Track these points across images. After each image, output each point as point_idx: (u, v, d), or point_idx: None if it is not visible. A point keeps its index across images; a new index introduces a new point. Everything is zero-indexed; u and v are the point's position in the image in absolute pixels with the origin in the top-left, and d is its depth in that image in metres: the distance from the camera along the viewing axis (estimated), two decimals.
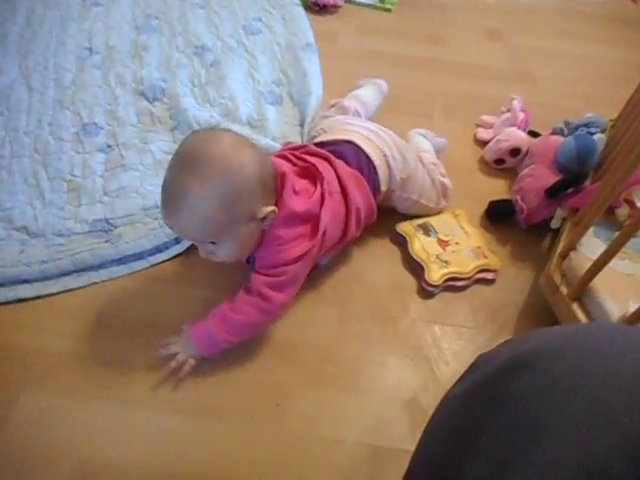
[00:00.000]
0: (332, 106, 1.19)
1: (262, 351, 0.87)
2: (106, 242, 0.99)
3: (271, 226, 0.78)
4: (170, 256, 0.99)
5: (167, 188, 0.72)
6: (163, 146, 1.19)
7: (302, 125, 1.27)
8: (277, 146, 1.13)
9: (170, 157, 1.12)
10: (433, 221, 1.05)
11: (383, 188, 0.95)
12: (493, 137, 1.24)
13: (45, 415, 0.78)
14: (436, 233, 1.02)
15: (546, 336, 0.37)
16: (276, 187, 0.78)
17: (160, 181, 1.08)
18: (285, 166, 0.82)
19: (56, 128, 1.21)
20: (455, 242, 1.01)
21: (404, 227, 1.03)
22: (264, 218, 0.75)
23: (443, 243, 1.01)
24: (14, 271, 0.93)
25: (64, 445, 0.75)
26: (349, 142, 0.93)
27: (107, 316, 0.90)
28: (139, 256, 0.98)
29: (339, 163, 0.89)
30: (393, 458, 0.75)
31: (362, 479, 0.75)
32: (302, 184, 0.83)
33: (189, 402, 0.81)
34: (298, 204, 0.79)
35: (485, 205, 1.10)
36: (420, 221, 1.04)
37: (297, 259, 0.79)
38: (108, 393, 0.80)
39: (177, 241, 1.01)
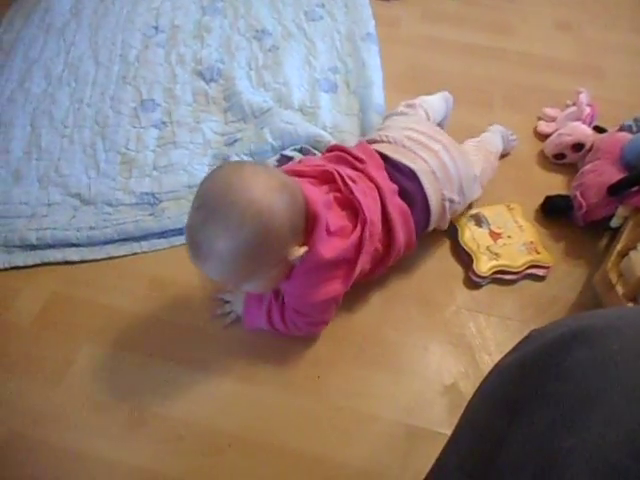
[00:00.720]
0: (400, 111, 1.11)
1: None
2: (150, 215, 1.02)
3: (301, 264, 0.72)
4: None
5: (192, 234, 0.67)
6: (214, 127, 1.22)
7: (359, 115, 1.25)
8: (327, 136, 1.13)
9: (220, 138, 1.20)
10: (486, 212, 1.02)
11: (431, 228, 0.92)
12: (555, 130, 1.18)
13: (105, 364, 0.84)
14: (488, 224, 0.99)
15: (602, 314, 0.38)
16: (307, 227, 0.72)
17: (208, 161, 1.15)
18: (320, 202, 0.72)
19: (117, 102, 1.26)
20: (507, 235, 0.98)
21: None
22: (291, 260, 0.71)
23: (495, 235, 0.98)
24: (65, 234, 0.99)
25: (120, 394, 0.81)
26: (412, 172, 0.85)
27: (164, 281, 0.95)
28: (179, 232, 1.01)
29: (390, 196, 0.81)
30: (428, 439, 0.77)
31: (395, 456, 0.76)
32: (339, 220, 0.75)
33: (237, 367, 0.84)
34: (329, 250, 0.72)
35: (541, 199, 1.07)
36: (473, 211, 1.01)
37: (325, 302, 0.78)
38: (163, 351, 0.85)
39: None
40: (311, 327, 0.83)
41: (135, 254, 1.00)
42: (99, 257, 0.99)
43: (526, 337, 0.44)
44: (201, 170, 1.12)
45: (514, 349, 0.44)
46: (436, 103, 1.15)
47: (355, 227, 0.75)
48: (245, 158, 1.13)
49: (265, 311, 0.82)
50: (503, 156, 1.15)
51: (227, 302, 0.89)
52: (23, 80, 1.31)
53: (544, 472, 0.31)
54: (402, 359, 0.87)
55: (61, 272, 0.96)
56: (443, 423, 0.78)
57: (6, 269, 0.96)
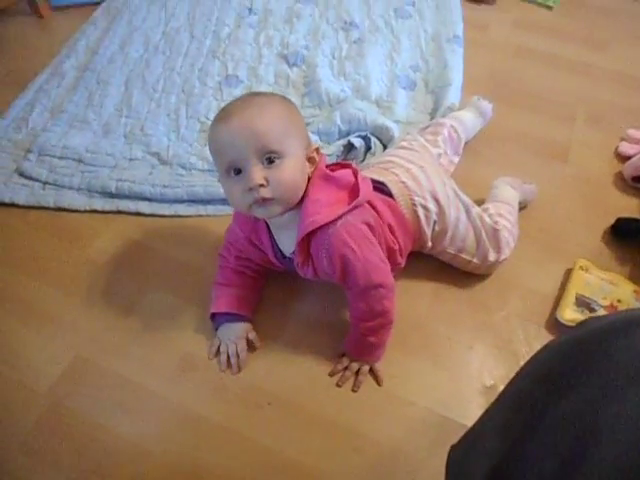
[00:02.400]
0: (426, 127, 1.11)
1: None
2: (219, 182, 1.07)
3: (307, 189, 0.73)
4: None
5: (227, 106, 0.71)
6: None
7: (432, 114, 1.25)
8: (394, 128, 1.14)
9: None
10: (581, 291, 0.92)
11: (416, 243, 0.89)
12: (637, 153, 1.14)
13: (164, 310, 0.91)
14: (600, 305, 0.90)
15: None
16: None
17: None
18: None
19: (204, 74, 1.33)
20: (617, 300, 0.91)
21: (567, 315, 0.89)
22: (310, 159, 0.73)
23: (611, 309, 0.91)
24: (141, 188, 1.06)
25: (176, 338, 0.88)
26: (382, 184, 0.85)
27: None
28: None
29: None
30: (460, 432, 0.76)
31: (424, 442, 0.77)
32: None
33: (288, 333, 0.88)
34: (328, 171, 0.76)
35: (611, 220, 1.04)
36: (571, 299, 0.91)
37: (371, 261, 0.75)
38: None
39: None
40: (385, 292, 0.77)
41: (200, 216, 1.05)
42: (167, 213, 1.05)
43: (581, 322, 0.45)
44: None
45: (567, 332, 0.45)
46: (469, 119, 1.15)
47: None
48: (313, 137, 1.16)
49: (355, 337, 0.82)
50: (531, 212, 1.06)
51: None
52: (124, 44, 1.42)
53: (588, 434, 0.33)
54: (446, 353, 0.87)
55: (135, 221, 1.04)
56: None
57: (89, 211, 1.05)
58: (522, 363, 0.82)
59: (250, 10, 1.54)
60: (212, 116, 1.22)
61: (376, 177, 0.85)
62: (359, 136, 1.12)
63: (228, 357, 0.84)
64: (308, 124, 1.20)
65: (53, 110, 1.24)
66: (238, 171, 0.69)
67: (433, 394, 0.82)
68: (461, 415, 0.79)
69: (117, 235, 1.02)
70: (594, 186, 1.12)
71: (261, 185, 0.67)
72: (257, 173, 0.67)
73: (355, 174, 0.76)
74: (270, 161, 0.67)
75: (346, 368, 0.83)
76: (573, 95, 1.34)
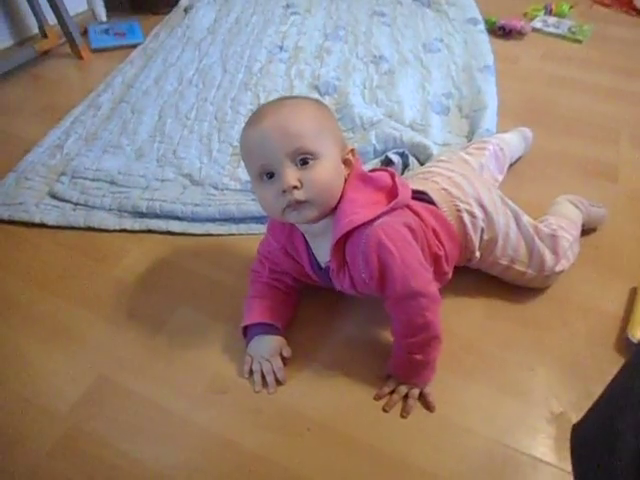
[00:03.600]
0: (470, 145, 1.09)
1: None
2: (252, 200, 1.04)
3: (344, 190, 0.68)
4: None
5: (259, 109, 0.69)
6: None
7: (469, 137, 1.22)
8: (432, 146, 1.11)
9: None
10: None
11: (464, 251, 0.82)
12: None
13: (196, 329, 0.85)
14: None
15: None
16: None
17: None
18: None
19: (236, 103, 1.34)
20: None
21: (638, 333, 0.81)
22: (346, 161, 0.70)
23: None
24: (172, 207, 1.03)
25: (206, 358, 0.81)
26: (423, 193, 0.80)
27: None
28: None
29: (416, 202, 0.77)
30: (528, 467, 0.68)
31: (490, 477, 0.68)
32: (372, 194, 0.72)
33: (326, 352, 0.82)
34: (365, 172, 0.73)
35: None
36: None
37: (410, 266, 0.68)
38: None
39: None
40: (427, 302, 0.70)
41: (232, 234, 1.01)
42: (198, 232, 1.01)
43: None
44: None
45: None
46: (513, 141, 1.11)
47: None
48: None
49: (399, 356, 0.74)
50: (587, 232, 0.98)
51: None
52: (159, 79, 1.45)
53: None
54: (503, 376, 0.78)
55: (166, 240, 1.01)
56: (548, 453, 0.69)
57: (119, 231, 1.02)
58: (592, 388, 0.72)
59: (281, 48, 1.58)
60: None
61: (416, 187, 0.80)
62: (396, 153, 1.09)
63: (263, 375, 0.76)
64: None
65: (88, 138, 1.25)
66: (271, 175, 0.65)
67: (495, 422, 0.73)
68: (528, 446, 0.70)
69: (146, 254, 0.98)
70: None
71: (295, 187, 0.63)
72: (290, 175, 0.63)
73: (392, 177, 0.71)
74: (304, 162, 0.64)
75: (393, 391, 0.75)
76: (613, 119, 1.32)
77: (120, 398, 0.76)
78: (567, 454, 0.63)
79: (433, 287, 0.71)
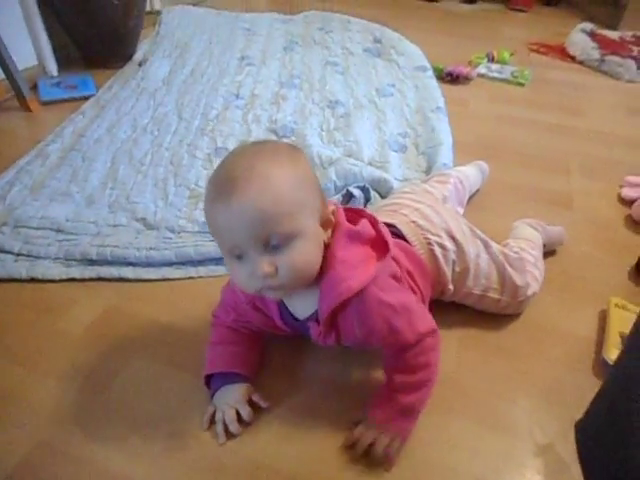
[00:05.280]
0: (431, 177, 1.09)
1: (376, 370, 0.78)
2: (211, 241, 0.99)
3: (330, 250, 0.62)
4: None
5: (227, 170, 0.58)
6: None
7: (427, 172, 1.23)
8: (391, 180, 1.11)
9: None
10: (623, 328, 0.82)
11: (437, 285, 0.80)
12: None
13: (150, 380, 0.77)
14: None
15: None
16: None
17: None
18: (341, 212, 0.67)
19: (193, 148, 1.32)
20: None
21: (615, 356, 0.78)
22: (327, 221, 0.62)
23: None
24: (124, 252, 0.96)
25: (162, 412, 0.73)
26: (392, 226, 0.77)
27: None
28: None
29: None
30: None
31: None
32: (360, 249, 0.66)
33: (294, 400, 0.75)
34: (348, 225, 0.65)
35: (632, 260, 1.00)
36: (615, 338, 0.82)
37: (402, 308, 0.64)
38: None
39: None
40: (433, 341, 0.67)
41: (191, 278, 0.95)
42: (154, 277, 0.95)
43: None
44: None
45: None
46: (472, 174, 1.13)
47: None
48: None
49: (386, 395, 0.68)
50: (551, 253, 1.01)
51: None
52: (112, 127, 1.41)
53: None
54: (485, 410, 0.74)
55: (118, 288, 0.93)
56: None
57: (65, 280, 0.94)
58: (576, 414, 0.69)
59: (237, 96, 1.59)
60: (202, 184, 1.20)
61: (385, 219, 0.77)
62: (357, 187, 1.08)
63: (227, 427, 0.68)
64: None
65: (34, 187, 1.18)
66: (241, 256, 0.58)
67: (480, 459, 0.68)
68: None
69: (95, 303, 0.90)
70: (605, 229, 1.11)
71: (269, 273, 0.57)
72: (263, 262, 0.56)
73: (374, 224, 0.67)
74: (277, 246, 0.57)
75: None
76: (562, 152, 1.38)
77: (64, 466, 0.66)
78: None
79: (433, 321, 0.68)
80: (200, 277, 0.95)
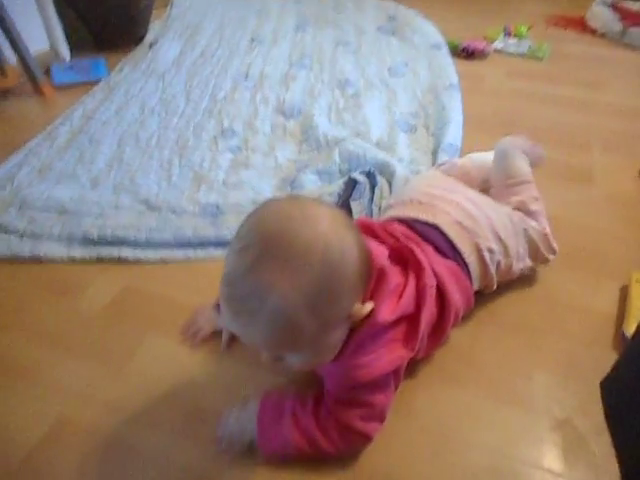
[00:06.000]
0: (440, 165, 1.03)
1: None
2: (210, 224, 0.98)
3: (354, 339, 0.58)
4: None
5: (237, 281, 0.49)
6: (288, 154, 1.21)
7: (434, 154, 1.19)
8: (395, 164, 1.07)
9: (292, 164, 1.18)
10: None
11: (475, 287, 0.75)
12: None
13: (165, 356, 0.78)
14: None
15: None
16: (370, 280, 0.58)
17: (275, 182, 1.12)
18: (382, 255, 0.62)
19: (199, 130, 1.31)
20: None
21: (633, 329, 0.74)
22: (353, 318, 0.56)
23: None
24: (125, 233, 0.96)
25: (178, 388, 0.73)
26: (434, 227, 0.72)
27: None
28: None
29: (430, 250, 0.69)
30: (535, 479, 0.62)
31: None
32: (396, 276, 0.62)
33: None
34: (390, 310, 0.58)
35: None
36: (636, 312, 0.79)
37: (385, 377, 0.60)
38: (228, 352, 0.78)
39: None
40: (364, 425, 0.61)
41: (189, 259, 0.95)
42: (152, 258, 0.95)
43: None
44: (267, 190, 1.09)
45: None
46: (487, 158, 1.01)
47: (407, 280, 0.63)
48: (312, 177, 1.09)
49: (290, 422, 0.62)
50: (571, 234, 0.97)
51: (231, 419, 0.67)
52: (120, 110, 1.42)
53: None
54: (501, 386, 0.73)
55: (135, 269, 0.94)
56: (556, 463, 0.64)
57: (78, 262, 0.95)
58: (594, 389, 0.70)
59: (246, 76, 1.57)
60: (206, 165, 1.19)
61: (424, 217, 0.73)
62: (362, 172, 1.04)
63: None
64: (307, 166, 1.14)
65: (42, 169, 1.19)
66: None
67: (496, 435, 0.67)
68: (535, 458, 0.64)
69: (112, 284, 0.90)
70: (626, 204, 1.07)
71: (273, 368, 0.59)
72: (269, 359, 0.57)
73: (420, 293, 0.62)
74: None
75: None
76: (582, 127, 1.33)
77: (85, 440, 0.67)
78: (576, 462, 0.63)
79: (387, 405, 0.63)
80: (197, 259, 0.95)
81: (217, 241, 0.96)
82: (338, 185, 1.05)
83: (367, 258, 0.55)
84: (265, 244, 0.49)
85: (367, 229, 0.69)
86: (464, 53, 1.63)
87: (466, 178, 0.95)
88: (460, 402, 0.70)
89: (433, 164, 1.15)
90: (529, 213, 0.83)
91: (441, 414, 0.69)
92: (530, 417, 0.69)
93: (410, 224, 0.73)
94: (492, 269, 0.74)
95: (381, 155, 1.10)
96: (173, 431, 0.68)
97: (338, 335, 0.56)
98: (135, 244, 0.96)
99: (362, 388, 0.60)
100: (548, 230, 0.83)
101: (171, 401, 0.71)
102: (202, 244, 0.96)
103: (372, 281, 0.58)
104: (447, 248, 0.71)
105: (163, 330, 0.82)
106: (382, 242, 0.67)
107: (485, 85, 1.53)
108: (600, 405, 0.68)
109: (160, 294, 0.88)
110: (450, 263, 0.70)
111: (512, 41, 1.75)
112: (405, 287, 0.61)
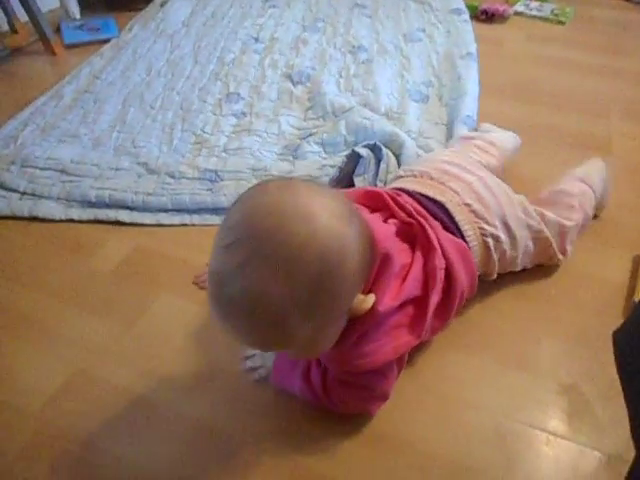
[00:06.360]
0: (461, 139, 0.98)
1: None
2: (207, 190, 0.97)
3: (356, 328, 0.55)
4: None
5: (225, 282, 0.45)
6: (292, 121, 1.17)
7: (448, 126, 1.14)
8: (403, 135, 1.02)
9: (296, 131, 1.15)
10: None
11: (477, 271, 0.71)
12: None
13: (176, 314, 0.79)
14: None
15: None
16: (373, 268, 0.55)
17: (277, 149, 1.09)
18: (390, 237, 0.59)
19: (204, 93, 1.28)
20: None
21: None
22: (352, 312, 0.54)
23: None
24: (122, 196, 0.96)
25: (189, 345, 0.75)
26: (440, 205, 0.69)
27: None
28: None
29: (439, 227, 0.66)
30: (541, 443, 0.63)
31: (501, 457, 0.61)
32: (403, 256, 0.59)
33: None
34: (394, 296, 0.56)
35: None
36: None
37: (388, 365, 0.59)
38: None
39: None
40: (365, 404, 0.62)
41: (184, 225, 0.94)
42: (148, 222, 0.94)
43: None
44: (269, 157, 1.06)
45: None
46: (502, 138, 0.97)
47: (413, 260, 0.60)
48: (316, 148, 1.06)
49: (300, 376, 0.63)
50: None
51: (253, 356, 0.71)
52: (126, 70, 1.39)
53: None
54: (508, 349, 0.73)
55: (149, 230, 0.94)
56: (560, 426, 0.64)
57: (94, 222, 0.96)
58: (602, 356, 0.69)
59: (256, 39, 1.52)
60: (208, 129, 1.16)
61: (431, 194, 0.70)
62: (366, 146, 1.00)
63: None
64: (312, 134, 1.11)
65: (45, 128, 1.18)
66: None
67: (501, 397, 0.67)
68: (539, 420, 0.65)
69: (126, 244, 0.91)
70: None
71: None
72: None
73: (429, 275, 0.60)
74: None
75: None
76: (603, 94, 1.29)
77: (99, 392, 0.69)
78: (581, 425, 0.64)
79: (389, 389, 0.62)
80: (194, 225, 0.94)
81: (214, 207, 0.95)
82: (340, 159, 1.02)
83: (370, 248, 0.51)
84: (256, 242, 0.44)
85: (376, 200, 0.66)
86: (483, 16, 1.56)
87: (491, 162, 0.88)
88: (468, 365, 0.70)
89: (446, 136, 1.11)
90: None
91: (448, 376, 0.69)
92: (537, 382, 0.69)
93: (418, 198, 0.70)
94: (495, 257, 0.71)
95: (389, 127, 1.05)
96: (184, 386, 0.69)
97: (335, 329, 0.53)
98: (132, 207, 0.96)
99: (364, 374, 0.59)
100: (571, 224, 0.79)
101: (182, 357, 0.73)
102: (198, 210, 0.96)
103: (375, 267, 0.55)
104: (453, 229, 0.68)
105: (174, 288, 0.83)
106: (392, 215, 0.64)
107: (504, 49, 1.48)
108: (607, 372, 0.67)
109: (171, 254, 0.89)
110: (459, 242, 0.66)
111: (534, 4, 1.66)
112: (410, 268, 0.58)
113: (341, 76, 1.34)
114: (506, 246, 0.71)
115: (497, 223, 0.70)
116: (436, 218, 0.67)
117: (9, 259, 0.90)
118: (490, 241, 0.69)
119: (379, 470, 0.60)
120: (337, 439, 0.62)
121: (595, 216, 0.89)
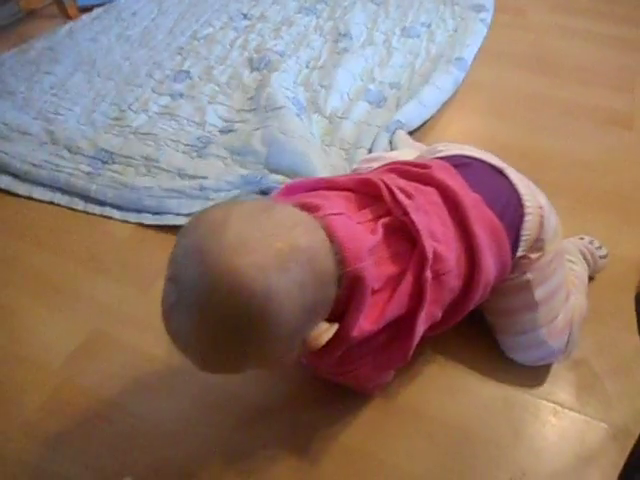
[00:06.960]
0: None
1: None
2: (87, 174, 0.92)
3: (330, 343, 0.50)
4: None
5: (164, 318, 0.48)
6: (221, 110, 1.08)
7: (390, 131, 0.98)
8: (321, 168, 0.89)
9: (219, 123, 1.05)
10: None
11: (520, 251, 0.58)
12: None
13: None
14: None
15: None
16: (342, 289, 0.48)
17: (186, 141, 0.98)
18: (363, 255, 0.48)
19: (155, 67, 1.22)
20: None
21: None
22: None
23: None
24: (10, 161, 0.94)
25: None
26: (482, 162, 0.60)
27: None
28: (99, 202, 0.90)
29: (472, 208, 0.55)
30: (549, 414, 0.63)
31: (509, 428, 0.62)
32: (387, 267, 0.51)
33: None
34: (370, 320, 0.49)
35: None
36: None
37: (371, 377, 0.59)
38: None
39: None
40: (364, 389, 0.64)
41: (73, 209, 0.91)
42: (20, 193, 0.92)
43: None
44: (170, 148, 0.98)
45: None
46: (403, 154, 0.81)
47: (406, 269, 0.51)
48: (223, 153, 0.96)
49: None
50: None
51: None
52: (100, 33, 1.38)
53: None
54: None
55: None
56: (568, 399, 0.64)
57: None
58: (615, 333, 0.71)
59: (245, 16, 1.42)
60: (135, 107, 1.10)
61: (490, 161, 0.61)
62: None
63: None
64: (231, 131, 1.01)
65: None
66: None
67: (510, 370, 0.66)
68: (548, 393, 0.65)
69: None
70: None
71: None
72: None
73: (419, 290, 0.51)
74: None
75: None
76: (627, 68, 1.22)
77: (116, 351, 0.70)
78: (589, 399, 0.63)
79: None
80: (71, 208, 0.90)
81: (82, 193, 0.90)
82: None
83: (327, 280, 0.46)
84: (182, 287, 0.45)
85: (372, 189, 0.55)
86: None
87: None
88: (475, 338, 0.69)
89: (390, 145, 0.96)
90: None
91: (459, 350, 0.68)
92: None
93: (453, 173, 0.58)
94: (545, 237, 0.59)
95: (301, 148, 0.90)
96: None
97: (289, 356, 0.49)
98: (15, 175, 0.94)
99: (352, 379, 0.60)
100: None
101: None
102: (70, 193, 0.91)
103: (345, 291, 0.48)
104: (499, 190, 0.58)
105: None
106: (387, 212, 0.54)
107: (527, 20, 1.42)
108: (618, 347, 0.68)
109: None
110: (494, 220, 0.56)
111: None
112: (403, 279, 0.50)
113: (307, 66, 1.21)
114: (552, 229, 0.60)
115: (547, 202, 0.60)
116: (479, 192, 0.57)
117: (27, 222, 0.90)
118: (546, 216, 0.59)
119: (390, 434, 0.61)
120: (349, 407, 0.63)
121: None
